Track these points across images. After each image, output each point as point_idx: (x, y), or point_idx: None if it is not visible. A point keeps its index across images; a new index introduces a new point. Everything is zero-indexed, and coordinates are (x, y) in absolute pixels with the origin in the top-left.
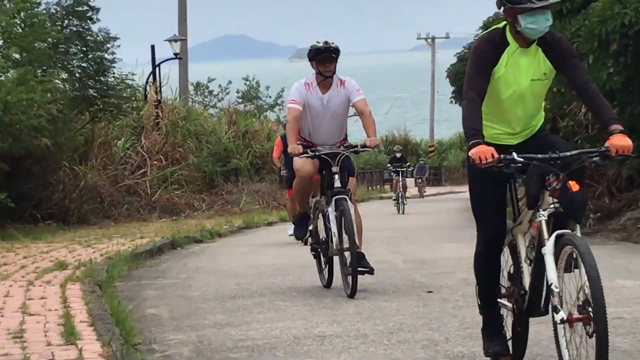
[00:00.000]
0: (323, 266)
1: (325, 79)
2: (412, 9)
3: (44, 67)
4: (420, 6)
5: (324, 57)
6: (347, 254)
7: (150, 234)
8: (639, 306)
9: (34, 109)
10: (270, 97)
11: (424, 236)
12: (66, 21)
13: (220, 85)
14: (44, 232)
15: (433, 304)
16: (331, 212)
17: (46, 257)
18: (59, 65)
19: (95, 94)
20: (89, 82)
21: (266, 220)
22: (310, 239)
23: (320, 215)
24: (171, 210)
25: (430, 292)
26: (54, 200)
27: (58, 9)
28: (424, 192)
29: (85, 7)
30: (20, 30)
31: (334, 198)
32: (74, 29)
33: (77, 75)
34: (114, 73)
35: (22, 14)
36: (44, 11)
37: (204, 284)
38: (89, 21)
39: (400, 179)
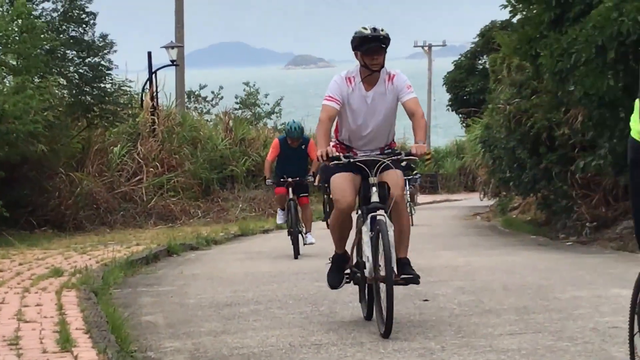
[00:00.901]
0: (364, 293)
1: (371, 74)
2: (409, 17)
3: (41, 74)
4: (417, 14)
5: (371, 48)
6: (382, 285)
7: (146, 241)
8: None
9: (31, 115)
10: (268, 104)
11: (420, 244)
12: (63, 26)
13: (213, 92)
14: (40, 238)
15: (429, 313)
16: (365, 232)
17: (42, 264)
18: (55, 71)
19: (92, 100)
20: (86, 88)
21: (262, 228)
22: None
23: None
24: (167, 217)
25: (426, 300)
26: (50, 207)
27: (54, 15)
28: (417, 201)
29: (82, 12)
30: (17, 37)
31: (369, 215)
32: (71, 33)
33: (74, 81)
34: (111, 79)
35: (19, 20)
36: (41, 17)
37: (200, 291)
38: (85, 26)
39: (407, 189)
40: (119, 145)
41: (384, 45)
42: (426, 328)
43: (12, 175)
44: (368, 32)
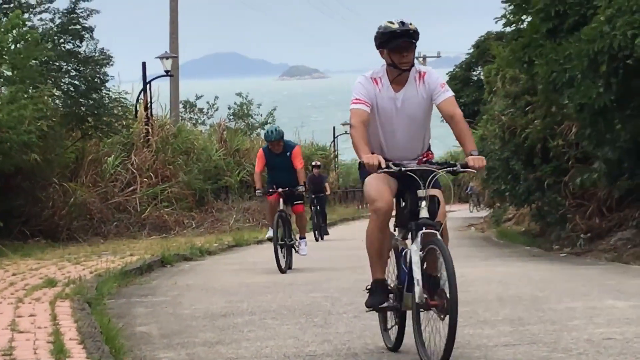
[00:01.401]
0: (390, 323)
1: (401, 74)
2: None
3: (35, 84)
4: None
5: (400, 44)
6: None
7: (140, 252)
8: (630, 327)
9: (25, 125)
10: (261, 115)
11: None
12: (61, 39)
13: (208, 102)
14: (33, 248)
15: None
16: (415, 251)
17: (35, 274)
18: (50, 81)
19: (87, 112)
20: (81, 100)
21: (256, 238)
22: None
23: (393, 255)
24: (161, 227)
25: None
26: (43, 217)
27: (52, 26)
28: None
29: (79, 27)
30: (12, 47)
31: (419, 233)
32: (67, 46)
33: (69, 92)
34: (108, 91)
35: (14, 31)
36: (38, 28)
37: (194, 301)
38: (81, 40)
39: None
40: (112, 156)
41: (414, 41)
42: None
43: (5, 185)
44: (396, 26)
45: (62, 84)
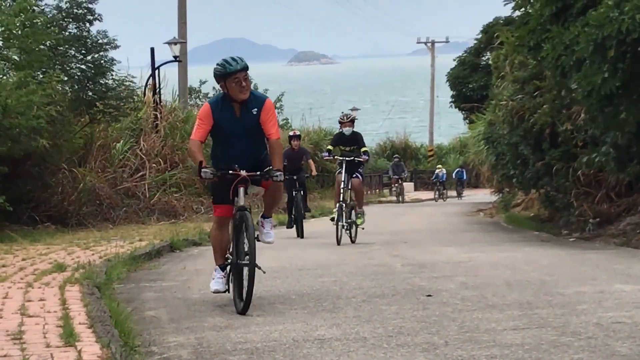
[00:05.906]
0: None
1: None
2: (412, 13)
3: (43, 69)
4: (420, 10)
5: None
6: None
7: (149, 237)
8: (639, 310)
9: (34, 110)
10: None
11: (423, 240)
12: (65, 24)
13: (214, 88)
14: (43, 234)
15: (432, 308)
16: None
17: (45, 259)
18: (58, 67)
19: (95, 96)
20: (88, 84)
21: None
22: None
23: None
24: (170, 213)
25: (429, 295)
26: (52, 203)
27: (57, 12)
28: (404, 196)
29: (84, 10)
30: (20, 32)
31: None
32: (73, 31)
33: (77, 77)
34: (112, 75)
35: (22, 15)
36: (44, 13)
37: (203, 286)
38: (87, 24)
39: (345, 179)
40: (121, 141)
41: None
42: (429, 323)
43: (15, 170)
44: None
45: (69, 69)
